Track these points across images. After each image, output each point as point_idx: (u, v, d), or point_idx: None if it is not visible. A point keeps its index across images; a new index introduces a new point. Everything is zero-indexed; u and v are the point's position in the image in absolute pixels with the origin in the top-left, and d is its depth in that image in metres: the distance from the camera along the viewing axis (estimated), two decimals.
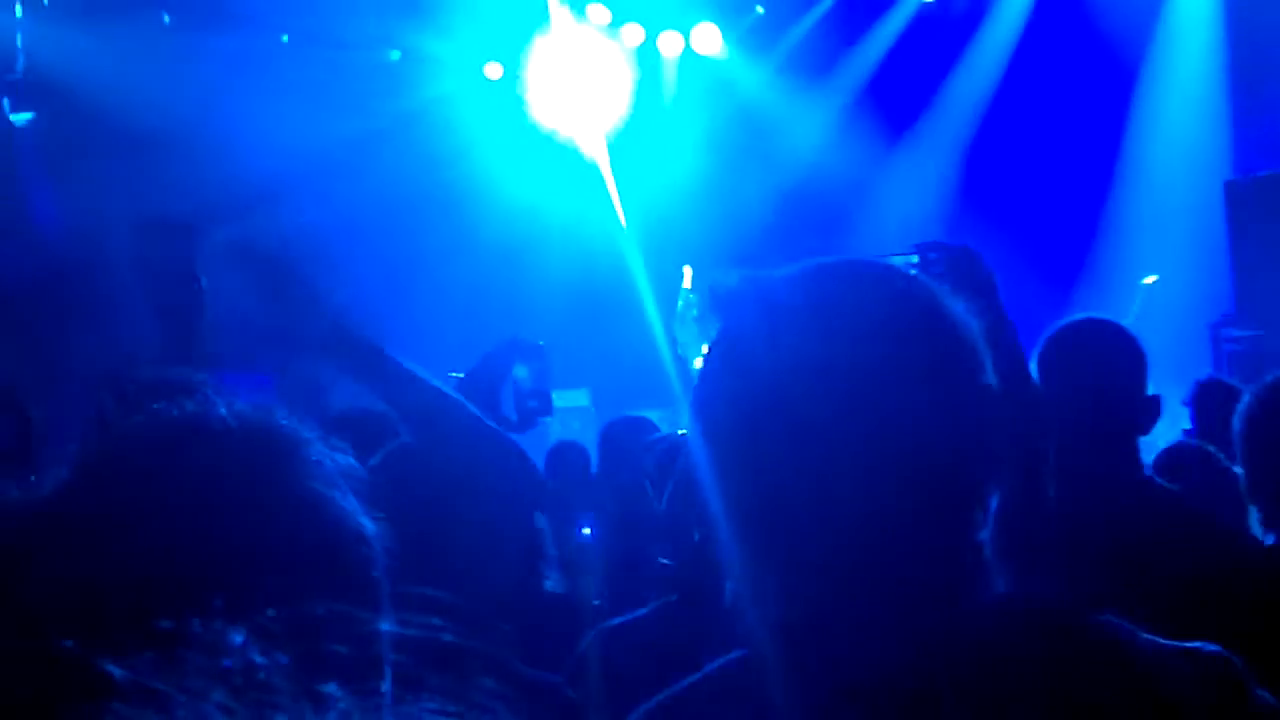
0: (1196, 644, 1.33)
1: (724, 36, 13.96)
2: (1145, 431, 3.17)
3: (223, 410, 1.25)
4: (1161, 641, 1.33)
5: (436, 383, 2.25)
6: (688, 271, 13.15)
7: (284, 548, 1.19)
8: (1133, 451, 3.11)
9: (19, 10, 11.52)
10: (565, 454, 6.90)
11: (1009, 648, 1.29)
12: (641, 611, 3.21)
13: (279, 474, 1.22)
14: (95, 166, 11.12)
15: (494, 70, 13.59)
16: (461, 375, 3.42)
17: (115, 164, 11.05)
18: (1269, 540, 3.08)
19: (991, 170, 13.69)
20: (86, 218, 11.08)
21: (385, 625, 1.13)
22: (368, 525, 1.26)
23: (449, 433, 2.38)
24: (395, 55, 13.25)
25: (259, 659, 0.78)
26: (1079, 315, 3.33)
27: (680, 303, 13.16)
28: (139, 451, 1.24)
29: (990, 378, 1.37)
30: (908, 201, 13.30)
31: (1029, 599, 1.36)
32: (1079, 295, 11.65)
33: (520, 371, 3.18)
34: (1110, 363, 3.15)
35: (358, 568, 1.23)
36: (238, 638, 0.82)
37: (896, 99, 13.93)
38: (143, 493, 1.19)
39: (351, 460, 1.29)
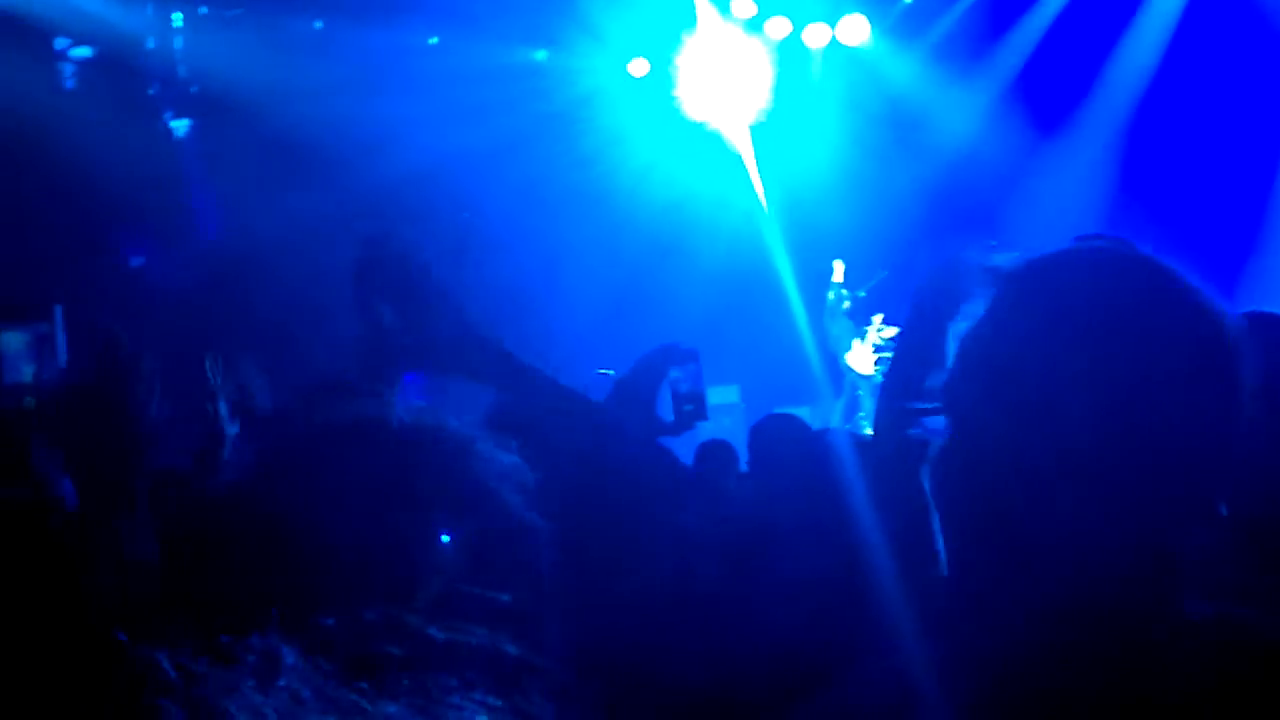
0: None
1: (872, 27, 13.80)
2: None
3: (398, 411, 1.30)
4: None
5: (568, 387, 2.24)
6: (839, 266, 13.07)
7: (457, 542, 1.22)
8: None
9: (178, 19, 11.87)
10: (714, 451, 6.87)
11: (1220, 669, 1.27)
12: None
13: (452, 472, 1.25)
14: (254, 171, 11.41)
15: (639, 67, 13.62)
16: (611, 371, 3.44)
17: (272, 167, 11.33)
18: None
19: (1150, 160, 13.29)
20: (248, 221, 11.39)
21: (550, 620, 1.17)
22: (535, 520, 1.29)
23: (587, 438, 2.39)
24: (542, 55, 13.36)
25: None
26: (1252, 308, 3.21)
27: (830, 296, 13.09)
28: (319, 449, 1.28)
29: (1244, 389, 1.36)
30: (1062, 193, 12.99)
31: (1236, 619, 1.33)
32: (1242, 290, 11.28)
33: (675, 375, 3.17)
34: None
35: (526, 561, 1.26)
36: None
37: (1050, 87, 13.60)
38: (320, 488, 1.22)
39: (516, 459, 1.31)
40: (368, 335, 2.08)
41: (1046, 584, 1.32)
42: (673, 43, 13.41)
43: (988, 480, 1.37)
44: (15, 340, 2.26)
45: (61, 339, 2.31)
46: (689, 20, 13.25)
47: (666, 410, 3.11)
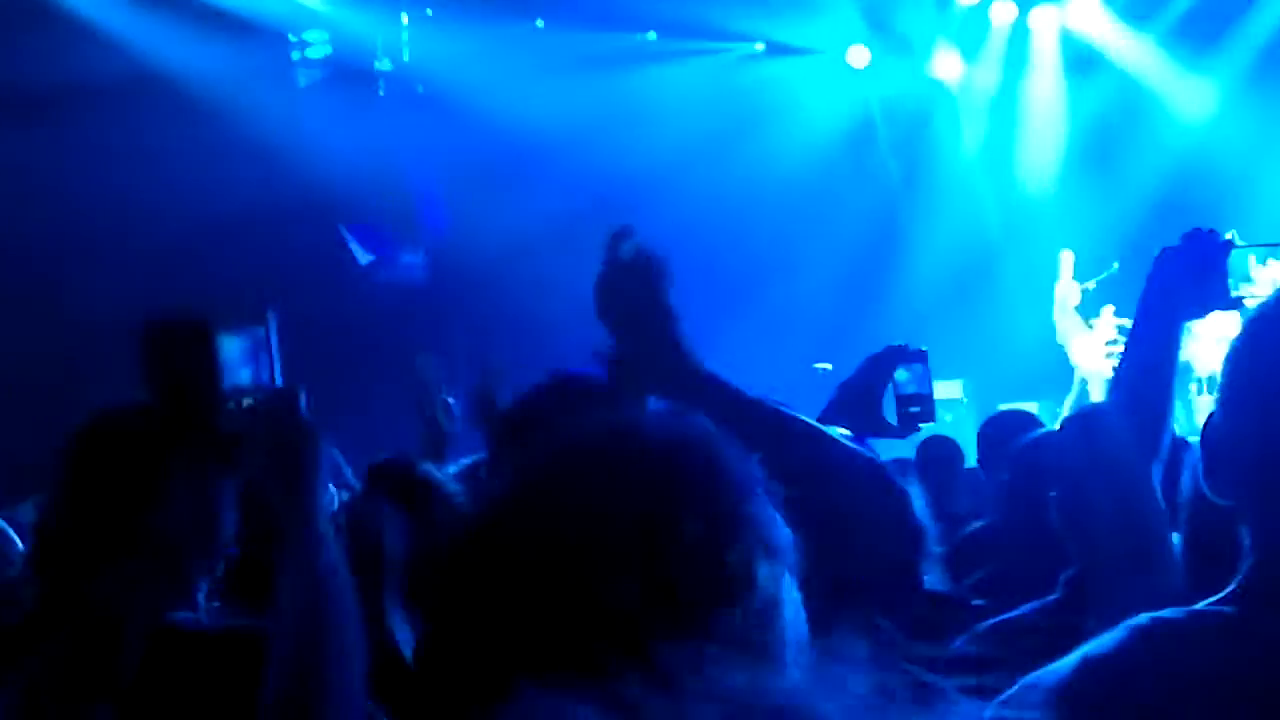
0: None
1: (1105, 8, 13.34)
2: None
3: (649, 421, 1.30)
4: None
5: (796, 414, 2.18)
6: (1067, 258, 12.67)
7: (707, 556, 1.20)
8: None
9: (405, 18, 12.19)
10: (938, 448, 6.71)
11: None
12: (1023, 609, 3.08)
13: (706, 487, 1.23)
14: (479, 171, 11.64)
15: (859, 56, 13.47)
16: (829, 366, 3.38)
17: (497, 168, 11.55)
18: None
19: None
20: (475, 222, 11.64)
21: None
22: (787, 534, 1.27)
23: (820, 473, 2.33)
24: (759, 48, 13.32)
25: None
26: None
27: (1058, 289, 12.71)
28: (580, 463, 1.27)
29: None
30: None
31: None
32: None
33: (901, 375, 3.10)
34: None
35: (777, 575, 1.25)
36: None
37: None
38: (583, 502, 1.22)
39: (760, 470, 1.29)
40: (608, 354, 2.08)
41: None
42: (892, 29, 13.22)
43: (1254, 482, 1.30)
44: (234, 345, 2.33)
45: (275, 342, 2.39)
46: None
47: (890, 413, 3.05)
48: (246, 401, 2.24)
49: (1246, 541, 1.33)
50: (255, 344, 2.34)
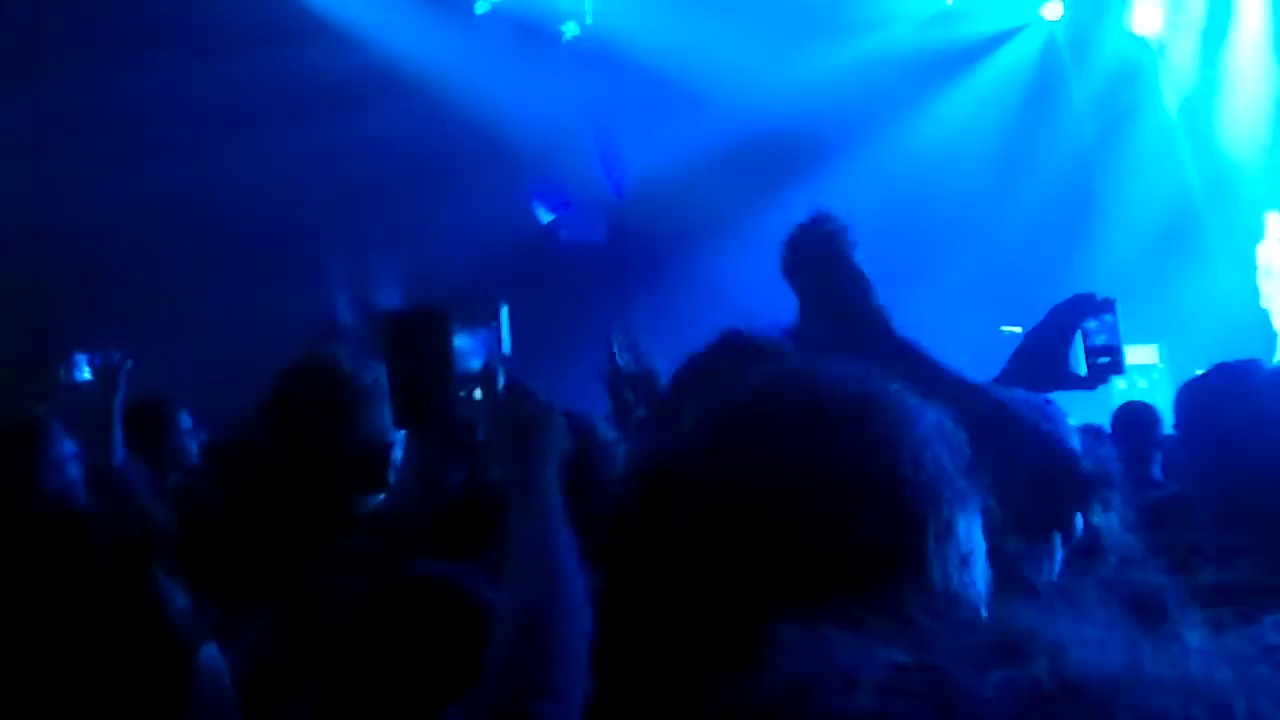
0: None
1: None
2: None
3: (827, 376, 1.27)
4: None
5: (981, 386, 2.12)
6: (1274, 219, 12.11)
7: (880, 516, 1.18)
8: None
9: None
10: (1135, 415, 6.48)
11: None
12: None
13: (883, 440, 1.21)
14: (656, 127, 11.60)
15: (1053, 10, 13.08)
16: (1019, 329, 3.27)
17: (673, 124, 11.50)
18: None
19: None
20: (647, 178, 11.62)
21: None
22: (973, 492, 1.25)
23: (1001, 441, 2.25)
24: (949, 1, 13.00)
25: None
26: None
27: (1264, 252, 12.18)
28: (752, 416, 1.26)
29: None
30: None
31: None
32: None
33: (1090, 326, 2.97)
34: None
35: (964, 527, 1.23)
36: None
37: None
38: (758, 456, 1.21)
39: (947, 422, 1.27)
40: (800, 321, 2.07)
41: None
42: None
43: None
44: (465, 339, 2.48)
45: (507, 332, 2.51)
46: None
47: (1079, 364, 2.94)
48: (477, 392, 2.35)
49: None
50: (488, 334, 2.45)
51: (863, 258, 2.09)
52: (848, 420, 1.21)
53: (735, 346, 2.33)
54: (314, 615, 2.35)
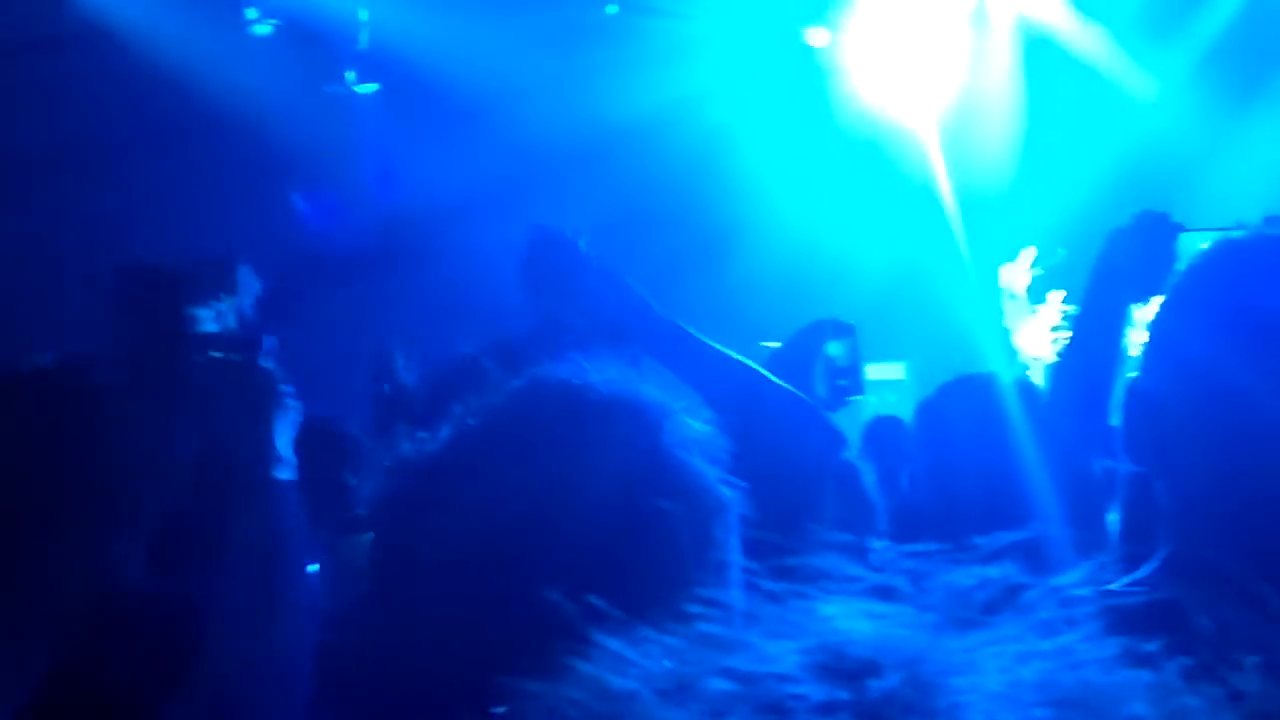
0: None
1: None
2: None
3: (595, 379, 1.27)
4: None
5: (740, 358, 2.21)
6: (1025, 254, 12.74)
7: (664, 516, 1.19)
8: None
9: None
10: (883, 429, 6.76)
11: None
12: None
13: (649, 442, 1.22)
14: (431, 139, 11.55)
15: (818, 36, 13.45)
16: (777, 344, 3.39)
17: (452, 135, 11.46)
18: None
19: None
20: (426, 189, 11.55)
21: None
22: (727, 493, 1.27)
23: (757, 412, 2.34)
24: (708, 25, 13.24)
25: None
26: None
27: (1008, 273, 12.78)
28: (517, 416, 1.26)
29: None
30: (1256, 163, 12.46)
31: None
32: None
33: (833, 349, 3.12)
34: None
35: (718, 536, 1.24)
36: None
37: (1251, 60, 13.02)
38: (523, 456, 1.21)
39: (709, 428, 1.29)
40: (538, 318, 2.11)
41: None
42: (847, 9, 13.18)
43: (1175, 462, 1.33)
44: (206, 298, 2.37)
45: (251, 299, 2.41)
46: None
47: (821, 386, 3.07)
48: (215, 354, 2.25)
49: (1164, 508, 1.35)
50: (229, 298, 2.35)
51: (605, 261, 2.15)
52: (607, 423, 1.22)
53: (497, 351, 2.36)
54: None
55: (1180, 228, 2.48)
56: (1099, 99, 13.39)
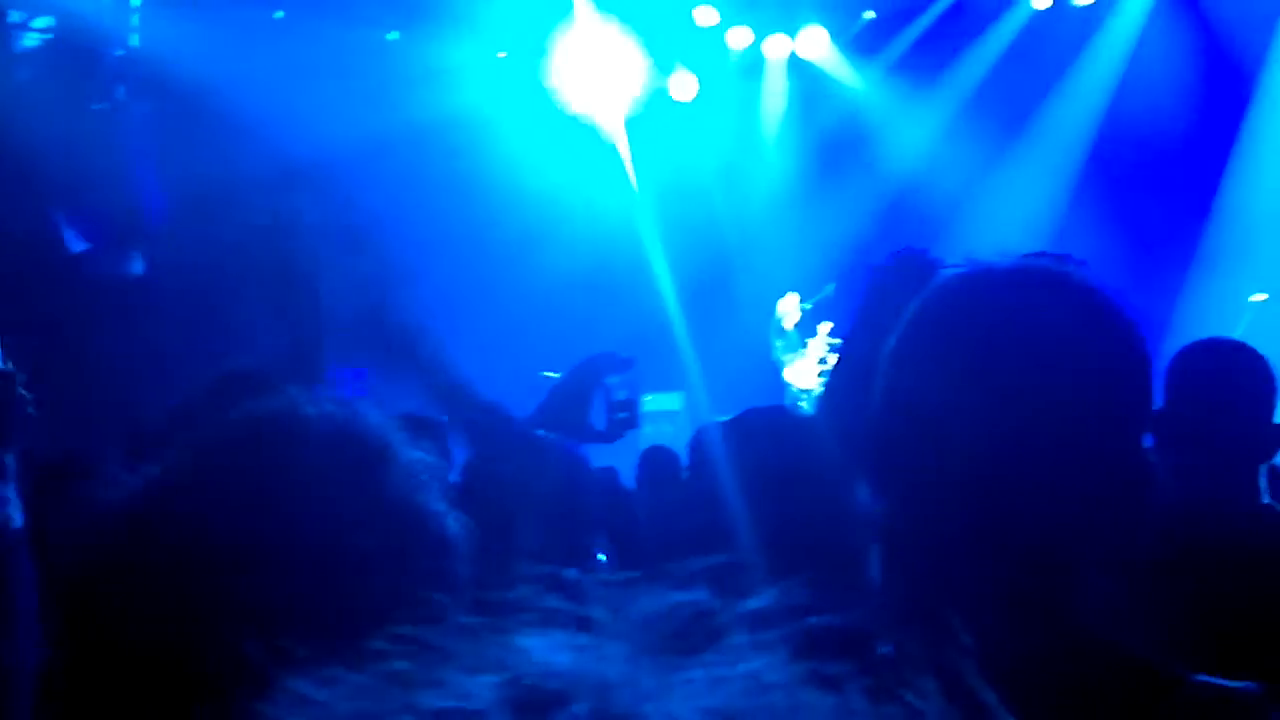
0: (1239, 684, 1.31)
1: (832, 40, 13.87)
2: (1267, 459, 3.10)
3: (310, 410, 1.22)
4: (1208, 681, 1.31)
5: (486, 398, 2.22)
6: (790, 297, 13.09)
7: (370, 552, 1.16)
8: (1253, 478, 3.04)
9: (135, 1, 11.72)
10: (656, 458, 6.87)
11: (1081, 681, 1.29)
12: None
13: (365, 476, 1.19)
14: (196, 153, 11.25)
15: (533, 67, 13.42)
16: (556, 375, 3.42)
17: (224, 155, 11.20)
18: None
19: (1099, 177, 13.46)
20: (187, 204, 11.23)
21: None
22: (452, 528, 1.23)
23: (501, 444, 2.37)
24: (501, 55, 13.25)
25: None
26: (1213, 336, 3.27)
27: (777, 310, 13.10)
28: (225, 453, 1.21)
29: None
30: (1013, 207, 13.10)
31: (1102, 633, 1.35)
32: (1184, 310, 11.42)
33: (611, 382, 3.17)
34: (1240, 387, 3.07)
35: (441, 571, 1.20)
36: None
37: (1005, 105, 13.71)
38: (228, 495, 1.17)
39: (437, 461, 1.26)
40: (281, 330, 2.07)
41: (947, 592, 1.33)
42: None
43: (899, 485, 1.38)
44: None
45: None
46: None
47: (599, 418, 3.11)
48: None
49: (905, 535, 1.40)
50: None
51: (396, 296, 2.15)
52: (319, 458, 1.19)
53: (227, 382, 2.32)
54: None
55: (938, 263, 2.60)
56: (868, 140, 13.87)
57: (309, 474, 1.18)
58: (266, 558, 1.13)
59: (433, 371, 2.04)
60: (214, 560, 1.13)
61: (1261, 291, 11.01)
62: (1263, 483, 3.08)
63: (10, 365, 2.17)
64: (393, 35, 12.82)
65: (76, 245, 11.65)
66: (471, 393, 2.09)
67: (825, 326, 12.51)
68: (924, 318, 1.40)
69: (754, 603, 0.78)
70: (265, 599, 1.10)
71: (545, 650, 0.72)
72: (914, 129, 13.80)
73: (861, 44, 13.95)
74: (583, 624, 0.75)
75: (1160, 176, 13.18)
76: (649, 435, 9.12)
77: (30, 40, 11.34)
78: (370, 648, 0.74)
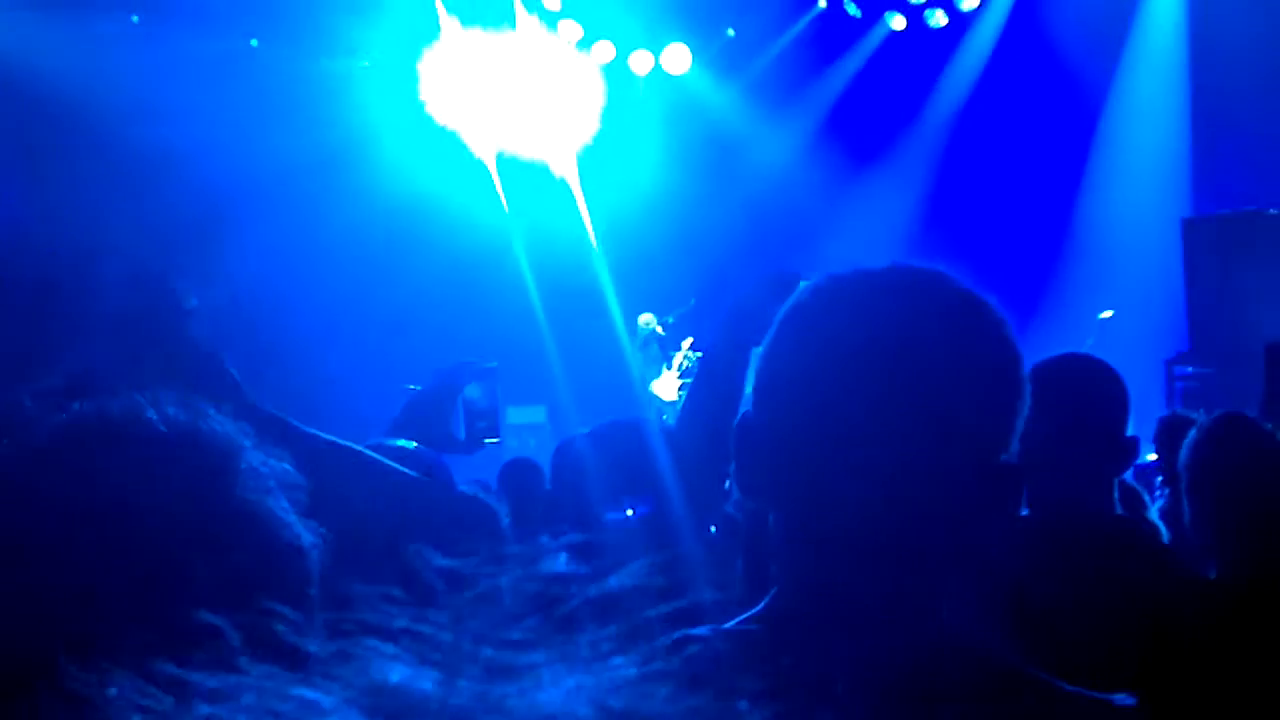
0: (1112, 696, 1.33)
1: (694, 57, 14.00)
2: (1121, 472, 3.16)
3: (151, 414, 1.18)
4: (1080, 693, 1.33)
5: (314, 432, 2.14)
6: (647, 318, 13.15)
7: (213, 559, 1.12)
8: (1108, 490, 3.10)
9: None
10: (518, 470, 6.84)
11: (949, 686, 1.29)
12: None
13: (210, 482, 1.16)
14: (54, 166, 10.98)
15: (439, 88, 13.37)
16: (417, 387, 3.40)
17: (72, 163, 10.93)
18: (1211, 573, 3.10)
19: (955, 196, 13.82)
20: (43, 219, 10.92)
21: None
22: (304, 535, 1.20)
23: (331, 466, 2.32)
24: (363, 63, 13.12)
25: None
26: (1067, 351, 3.32)
27: (640, 323, 13.17)
28: (54, 456, 1.16)
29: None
30: (872, 224, 13.36)
31: (970, 639, 1.36)
32: (1035, 327, 11.74)
33: (473, 392, 3.15)
34: (1095, 401, 3.13)
35: (291, 579, 1.18)
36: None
37: (864, 123, 14.02)
38: (56, 501, 1.12)
39: (288, 467, 1.23)
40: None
41: (832, 607, 1.33)
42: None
43: (771, 490, 1.39)
44: None
45: None
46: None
47: (460, 428, 3.08)
48: None
49: (777, 540, 1.38)
50: None
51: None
52: (157, 462, 1.15)
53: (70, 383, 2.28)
54: None
55: (800, 276, 2.63)
56: (730, 155, 14.01)
57: (145, 477, 1.14)
58: (85, 556, 1.09)
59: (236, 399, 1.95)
60: (31, 557, 1.10)
61: (1108, 309, 11.38)
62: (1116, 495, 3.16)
63: None
64: (254, 42, 12.61)
65: None
66: (283, 419, 2.01)
67: (687, 341, 12.60)
68: (796, 317, 1.39)
69: (604, 585, 0.78)
70: (82, 597, 1.07)
71: (389, 663, 0.70)
72: (775, 145, 14.00)
73: (723, 62, 14.12)
74: (426, 638, 0.73)
75: (1011, 196, 13.57)
76: (513, 448, 9.10)
77: None
78: (198, 661, 0.72)
